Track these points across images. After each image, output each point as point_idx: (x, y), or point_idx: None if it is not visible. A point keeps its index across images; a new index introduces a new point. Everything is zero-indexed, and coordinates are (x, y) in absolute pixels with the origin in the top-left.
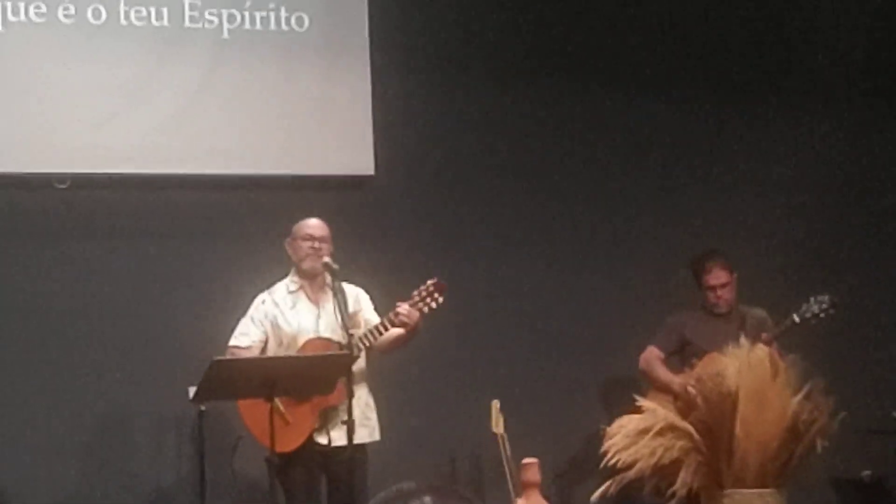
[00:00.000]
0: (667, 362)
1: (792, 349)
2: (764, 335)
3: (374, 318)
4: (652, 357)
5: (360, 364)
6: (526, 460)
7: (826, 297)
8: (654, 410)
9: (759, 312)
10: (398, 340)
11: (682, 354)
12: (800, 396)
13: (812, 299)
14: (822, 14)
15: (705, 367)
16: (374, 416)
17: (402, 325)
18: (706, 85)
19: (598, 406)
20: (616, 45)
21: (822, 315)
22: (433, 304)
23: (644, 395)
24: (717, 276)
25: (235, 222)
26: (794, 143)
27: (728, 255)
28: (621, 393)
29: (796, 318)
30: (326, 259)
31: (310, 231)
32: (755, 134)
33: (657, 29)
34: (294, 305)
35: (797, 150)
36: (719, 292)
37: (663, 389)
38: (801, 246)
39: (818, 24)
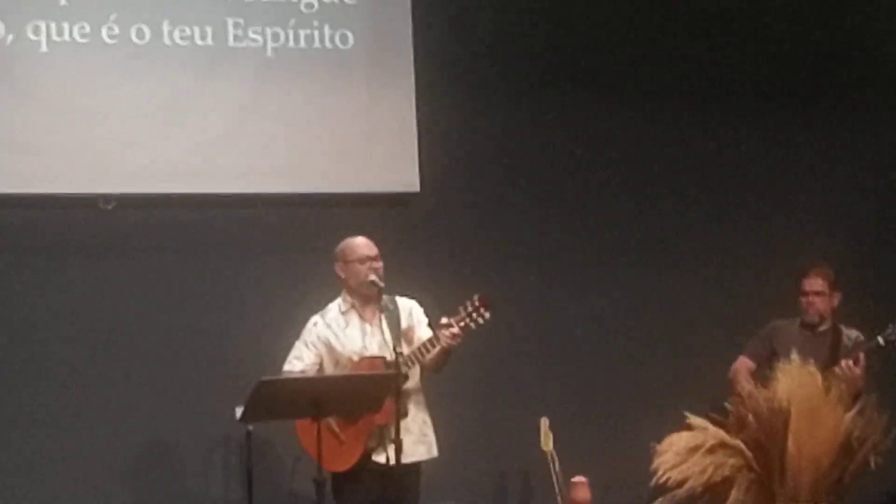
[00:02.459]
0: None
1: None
2: (853, 356)
3: (427, 333)
4: (741, 368)
5: (415, 381)
6: (575, 478)
7: None
8: (705, 428)
9: (855, 334)
10: (437, 360)
11: (771, 367)
12: (853, 412)
13: None
14: (884, 15)
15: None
16: (431, 432)
17: (447, 345)
18: (772, 95)
19: (648, 423)
20: (668, 60)
21: None
22: (480, 320)
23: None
24: (813, 282)
25: (282, 240)
26: (863, 152)
27: (836, 271)
28: (671, 409)
29: (881, 341)
30: (372, 277)
31: (365, 252)
32: (820, 143)
33: (712, 41)
34: (347, 326)
35: (866, 159)
36: (811, 298)
37: None
38: (862, 256)
39: (881, 27)
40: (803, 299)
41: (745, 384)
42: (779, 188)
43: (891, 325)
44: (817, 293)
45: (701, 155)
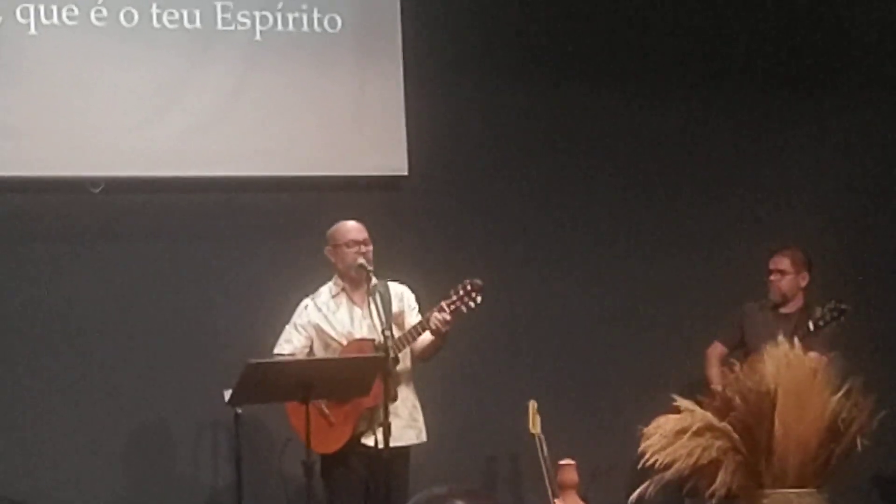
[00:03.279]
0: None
1: (833, 346)
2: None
3: (417, 319)
4: (711, 353)
5: (405, 365)
6: (563, 461)
7: (836, 305)
8: (692, 411)
9: (820, 313)
10: (428, 349)
11: (744, 351)
12: (839, 395)
13: (826, 305)
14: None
15: (748, 368)
16: (420, 417)
17: (435, 330)
18: (759, 81)
19: (635, 406)
20: (656, 44)
21: (832, 322)
22: (471, 305)
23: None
24: (777, 261)
25: (270, 224)
26: (847, 138)
27: (808, 253)
28: (658, 393)
29: (811, 326)
30: (361, 261)
31: (353, 236)
32: (805, 129)
33: (699, 24)
34: (337, 309)
35: (850, 145)
36: (773, 277)
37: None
38: (847, 242)
39: (870, 13)
40: (768, 279)
41: (712, 369)
42: (768, 174)
43: (819, 310)
44: (781, 272)
45: (693, 140)
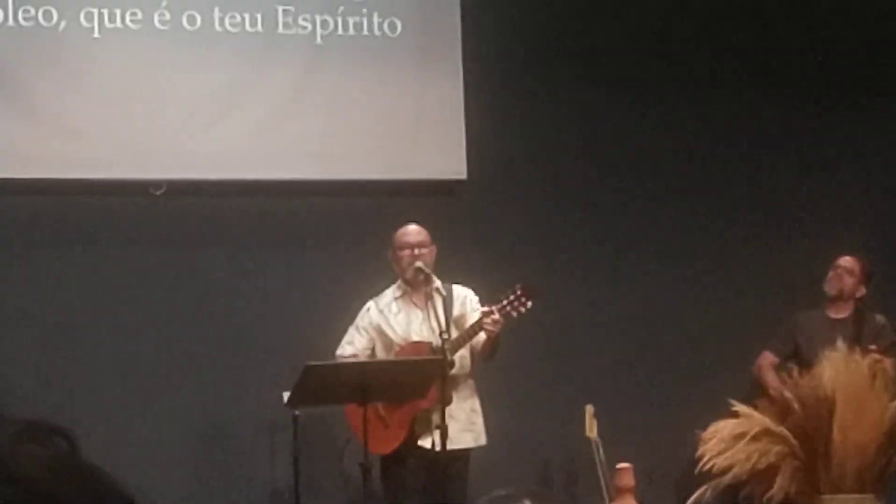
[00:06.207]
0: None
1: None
2: (872, 346)
3: None
4: (764, 363)
5: (464, 368)
6: (620, 465)
7: None
8: (750, 415)
9: (880, 318)
10: (484, 349)
11: (799, 359)
12: None
13: None
14: None
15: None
16: (479, 420)
17: (488, 332)
18: (821, 81)
19: (693, 410)
20: (718, 46)
21: None
22: (522, 309)
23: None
24: (848, 261)
25: (330, 227)
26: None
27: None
28: (715, 397)
29: None
30: (419, 264)
31: (406, 239)
32: (853, 135)
33: (761, 25)
34: (399, 311)
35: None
36: (839, 271)
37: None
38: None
39: None
40: (832, 272)
41: (773, 379)
42: (818, 177)
43: None
44: (849, 271)
45: (743, 147)
